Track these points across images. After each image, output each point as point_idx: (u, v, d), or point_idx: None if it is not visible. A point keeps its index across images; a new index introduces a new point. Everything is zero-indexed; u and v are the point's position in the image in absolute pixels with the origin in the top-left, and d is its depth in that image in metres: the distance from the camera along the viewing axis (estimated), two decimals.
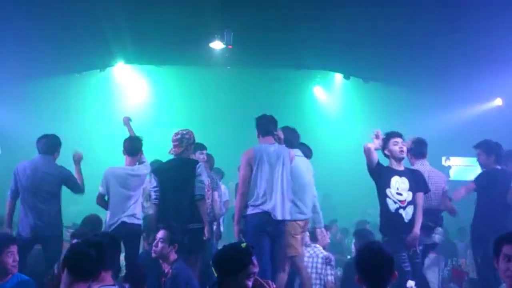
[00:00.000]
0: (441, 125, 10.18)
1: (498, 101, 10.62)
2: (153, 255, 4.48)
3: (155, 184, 5.35)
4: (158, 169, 5.52)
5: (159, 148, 9.14)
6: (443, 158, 10.75)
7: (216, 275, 3.01)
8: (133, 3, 7.11)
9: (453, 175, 10.51)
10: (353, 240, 6.40)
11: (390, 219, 4.94)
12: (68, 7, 6.90)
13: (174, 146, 5.41)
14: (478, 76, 8.88)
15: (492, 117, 10.24)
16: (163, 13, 7.42)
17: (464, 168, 10.39)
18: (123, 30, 7.84)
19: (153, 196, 5.37)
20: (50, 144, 5.59)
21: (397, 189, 4.97)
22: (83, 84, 10.46)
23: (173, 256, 4.42)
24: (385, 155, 5.12)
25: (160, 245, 4.40)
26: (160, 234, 4.46)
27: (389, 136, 5.09)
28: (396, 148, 5.03)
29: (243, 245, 3.09)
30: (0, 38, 7.44)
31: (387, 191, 4.97)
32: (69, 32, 7.68)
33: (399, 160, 5.06)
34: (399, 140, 5.06)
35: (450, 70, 8.89)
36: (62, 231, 5.60)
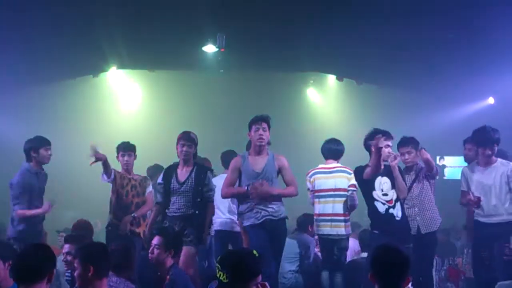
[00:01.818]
0: (434, 125, 10.22)
1: (491, 100, 10.67)
2: (150, 261, 4.45)
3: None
4: None
5: (152, 152, 9.15)
6: (437, 158, 10.79)
7: (223, 278, 3.00)
8: (125, 8, 7.09)
9: (448, 174, 10.57)
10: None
11: (382, 220, 4.97)
12: (60, 12, 6.88)
13: None
14: (470, 76, 8.92)
15: (485, 116, 10.26)
16: (155, 18, 7.40)
17: (458, 168, 10.45)
18: (115, 35, 7.83)
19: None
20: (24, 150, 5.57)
21: (382, 190, 5.00)
22: (76, 90, 10.42)
23: (169, 261, 4.39)
24: (369, 150, 5.04)
25: (155, 251, 4.37)
26: (155, 240, 4.42)
27: (383, 136, 5.02)
28: (385, 151, 4.99)
29: (256, 253, 3.13)
30: None
31: (374, 194, 5.01)
32: (61, 37, 7.65)
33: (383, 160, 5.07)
34: (390, 143, 5.06)
35: (443, 70, 8.93)
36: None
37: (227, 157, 5.98)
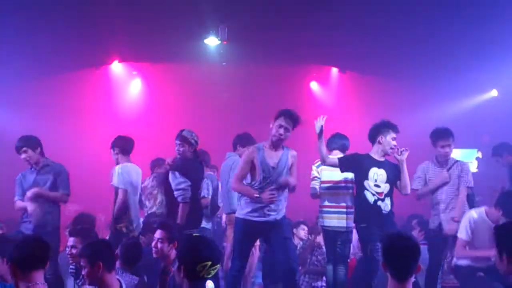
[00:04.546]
0: (438, 117, 10.16)
1: (494, 92, 10.65)
2: (154, 255, 4.46)
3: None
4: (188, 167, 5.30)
5: (154, 145, 9.15)
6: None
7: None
8: (128, 1, 7.08)
9: None
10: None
11: (369, 210, 4.97)
12: (62, 6, 6.87)
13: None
14: (474, 68, 8.90)
15: (488, 108, 10.27)
16: (157, 11, 7.39)
17: (461, 159, 10.44)
18: (118, 28, 7.82)
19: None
20: None
21: (375, 181, 5.00)
22: (79, 82, 10.42)
23: (173, 254, 4.40)
24: (377, 141, 5.11)
25: (159, 245, 4.37)
26: (158, 234, 4.43)
27: (391, 127, 5.10)
28: (391, 143, 5.03)
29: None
30: None
31: (365, 183, 5.00)
32: (64, 30, 7.65)
33: (385, 153, 5.09)
34: (395, 136, 5.08)
35: (446, 62, 8.90)
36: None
37: (243, 139, 5.86)
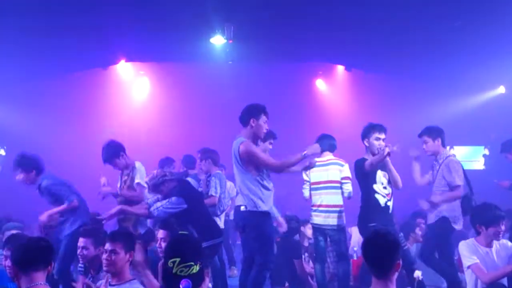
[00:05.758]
0: (444, 114, 10.16)
1: (501, 89, 10.60)
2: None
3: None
4: None
5: (161, 143, 9.18)
6: (447, 148, 10.73)
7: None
8: (134, 2, 7.11)
9: None
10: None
11: (380, 211, 4.99)
12: (69, 6, 6.90)
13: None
14: (481, 64, 8.85)
15: (496, 105, 10.22)
16: (164, 10, 7.41)
17: (468, 157, 10.42)
18: (124, 28, 7.85)
19: None
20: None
21: (382, 183, 5.05)
22: (86, 82, 10.47)
23: None
24: (365, 145, 5.16)
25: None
26: (161, 234, 4.45)
27: (374, 128, 5.11)
28: (376, 144, 5.05)
29: None
30: (3, 38, 7.46)
31: (375, 187, 5.03)
32: (70, 31, 7.68)
33: (373, 154, 5.09)
34: (382, 136, 5.08)
35: (453, 59, 8.87)
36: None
37: None
